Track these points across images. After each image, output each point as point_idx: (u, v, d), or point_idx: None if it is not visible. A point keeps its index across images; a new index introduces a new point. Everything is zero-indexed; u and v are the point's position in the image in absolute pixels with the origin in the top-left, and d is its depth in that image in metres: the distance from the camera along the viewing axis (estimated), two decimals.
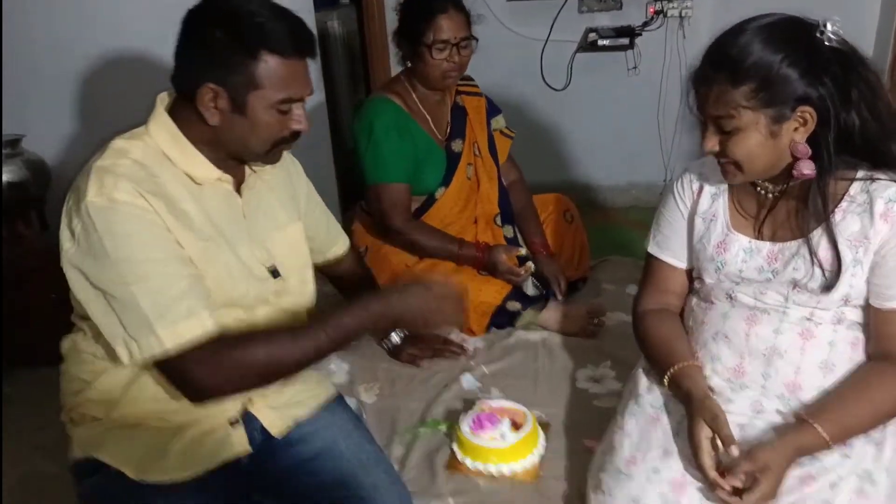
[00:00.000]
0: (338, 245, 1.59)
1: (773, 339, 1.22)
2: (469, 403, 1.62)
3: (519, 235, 2.20)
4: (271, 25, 1.10)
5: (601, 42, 3.13)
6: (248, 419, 1.26)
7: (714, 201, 1.30)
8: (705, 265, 1.29)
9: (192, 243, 1.13)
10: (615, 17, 3.17)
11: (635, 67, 3.21)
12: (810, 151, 1.11)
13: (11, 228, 2.21)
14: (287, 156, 1.36)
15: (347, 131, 2.22)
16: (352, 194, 1.67)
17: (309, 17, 2.54)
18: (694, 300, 1.36)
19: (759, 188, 1.23)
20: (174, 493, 1.15)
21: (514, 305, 1.98)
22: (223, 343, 1.11)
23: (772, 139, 1.11)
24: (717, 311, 1.29)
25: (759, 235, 1.24)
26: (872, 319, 1.18)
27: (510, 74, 3.18)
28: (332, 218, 1.58)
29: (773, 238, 1.22)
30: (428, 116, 2.06)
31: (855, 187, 1.15)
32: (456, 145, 2.09)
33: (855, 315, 1.20)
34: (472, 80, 2.22)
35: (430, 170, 2.05)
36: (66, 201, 1.12)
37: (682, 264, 1.37)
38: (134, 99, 2.39)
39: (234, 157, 1.21)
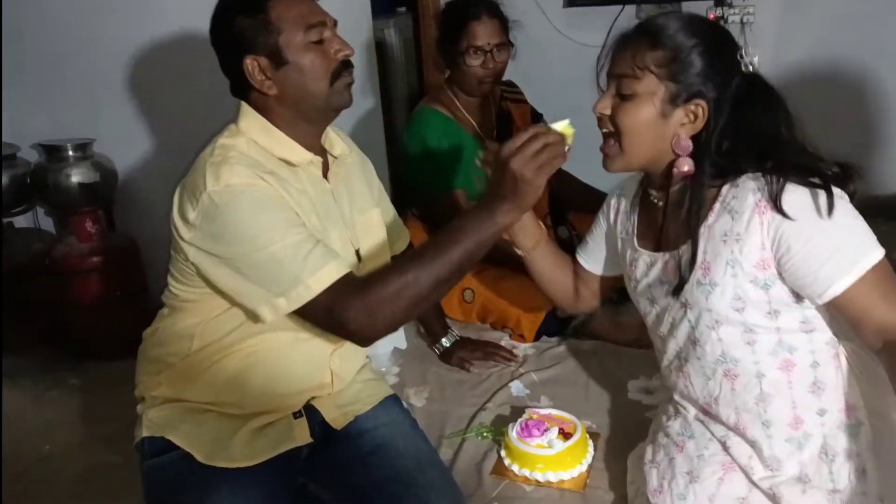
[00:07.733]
0: (401, 240, 1.66)
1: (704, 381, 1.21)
2: (518, 411, 1.62)
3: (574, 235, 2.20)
4: None
5: None
6: (310, 412, 1.33)
7: (628, 219, 1.32)
8: (626, 283, 1.33)
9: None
10: None
11: None
12: (691, 147, 1.12)
13: (80, 227, 2.32)
14: (359, 151, 1.48)
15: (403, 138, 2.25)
16: (403, 200, 1.71)
17: (367, 25, 2.58)
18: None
19: (652, 197, 1.23)
20: (236, 478, 1.21)
21: (564, 312, 1.97)
22: (359, 284, 1.14)
23: (660, 119, 1.11)
24: (656, 340, 1.31)
25: (658, 248, 1.23)
26: (839, 315, 1.11)
27: (566, 81, 3.13)
28: (397, 215, 1.65)
29: (667, 248, 1.21)
30: (473, 122, 2.08)
31: (725, 188, 1.12)
32: None
33: (771, 331, 1.13)
34: (516, 86, 2.22)
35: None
36: (177, 197, 1.21)
37: (592, 269, 1.47)
38: (197, 105, 2.48)
39: (311, 117, 1.28)
